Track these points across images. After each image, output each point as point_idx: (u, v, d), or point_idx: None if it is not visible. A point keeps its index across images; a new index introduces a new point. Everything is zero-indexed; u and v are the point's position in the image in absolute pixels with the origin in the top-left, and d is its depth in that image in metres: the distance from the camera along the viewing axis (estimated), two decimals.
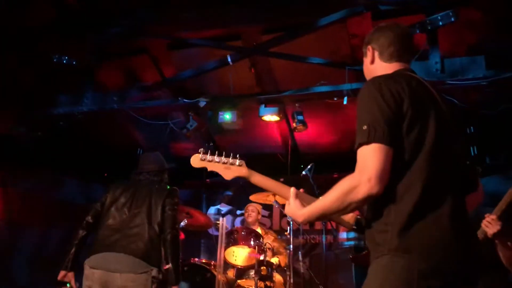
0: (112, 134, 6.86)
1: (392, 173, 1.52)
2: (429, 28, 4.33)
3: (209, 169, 2.02)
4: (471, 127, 6.11)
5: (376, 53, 1.86)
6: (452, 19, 4.20)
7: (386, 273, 1.49)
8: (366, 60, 1.93)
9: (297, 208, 1.76)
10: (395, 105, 1.56)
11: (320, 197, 1.68)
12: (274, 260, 4.74)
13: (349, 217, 1.88)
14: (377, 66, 1.86)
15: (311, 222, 1.81)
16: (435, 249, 1.47)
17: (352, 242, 6.53)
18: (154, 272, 3.01)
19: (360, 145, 1.54)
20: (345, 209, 1.60)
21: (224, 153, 2.05)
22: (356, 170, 1.54)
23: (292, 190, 1.86)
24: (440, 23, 4.27)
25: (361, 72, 5.01)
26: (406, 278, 1.45)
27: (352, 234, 6.64)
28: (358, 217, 1.86)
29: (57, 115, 5.63)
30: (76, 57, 5.31)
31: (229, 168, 2.01)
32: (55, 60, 5.23)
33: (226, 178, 2.01)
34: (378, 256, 1.54)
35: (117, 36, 5.55)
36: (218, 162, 2.02)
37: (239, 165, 2.00)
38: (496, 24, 4.68)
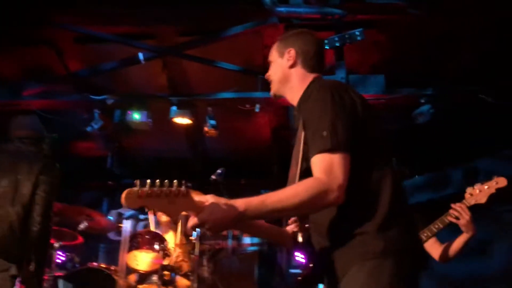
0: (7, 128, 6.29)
1: (356, 178, 1.51)
2: (337, 44, 4.59)
3: (149, 209, 1.48)
4: None
5: (299, 60, 1.80)
6: (359, 38, 4.51)
7: (378, 276, 1.48)
8: (282, 62, 1.83)
9: (225, 202, 1.48)
10: (351, 110, 1.56)
11: (269, 194, 1.52)
12: (179, 265, 4.66)
13: (289, 237, 1.80)
14: (296, 71, 1.81)
15: (247, 218, 1.48)
16: (410, 252, 1.55)
17: (255, 248, 6.65)
18: (13, 270, 2.42)
19: (322, 151, 1.49)
20: (305, 210, 1.58)
21: (163, 185, 1.47)
22: (321, 175, 1.48)
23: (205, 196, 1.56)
24: (348, 41, 4.56)
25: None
26: (396, 279, 1.48)
27: (256, 240, 6.76)
28: (295, 230, 1.78)
29: None
30: None
31: (174, 202, 1.46)
32: None
33: (172, 218, 1.61)
34: (360, 262, 1.51)
35: (17, 23, 5.15)
36: (159, 196, 1.44)
37: (185, 196, 1.46)
38: (397, 47, 5.10)
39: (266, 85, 5.42)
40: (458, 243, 2.78)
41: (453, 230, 2.80)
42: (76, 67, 5.59)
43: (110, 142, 6.86)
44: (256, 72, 5.30)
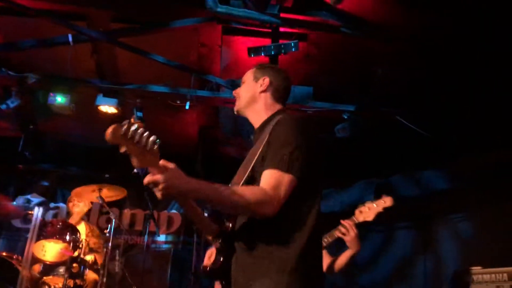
0: None
1: (292, 202, 1.71)
2: (272, 53, 4.70)
3: (122, 150, 1.55)
4: None
5: (271, 89, 2.03)
6: (293, 49, 4.66)
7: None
8: (255, 85, 2.05)
9: (181, 174, 1.61)
10: (311, 146, 1.78)
11: (217, 185, 1.68)
12: (90, 258, 4.48)
13: (214, 227, 1.96)
14: (265, 98, 2.03)
15: (182, 195, 1.79)
16: (318, 282, 1.76)
17: (169, 245, 6.58)
18: None
19: (277, 169, 1.69)
20: (241, 211, 1.75)
21: (144, 135, 1.56)
22: (268, 187, 1.67)
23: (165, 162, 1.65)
24: (283, 51, 4.69)
25: (205, 81, 5.16)
26: None
27: (170, 237, 6.70)
28: (222, 229, 1.94)
29: None
30: None
31: (144, 154, 1.57)
32: None
33: (136, 166, 1.60)
34: (270, 275, 1.67)
35: None
36: (137, 143, 1.55)
37: (155, 153, 1.59)
38: (327, 62, 5.33)
39: (198, 83, 5.41)
40: (343, 258, 2.85)
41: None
42: None
43: (25, 123, 6.41)
44: (190, 69, 5.26)
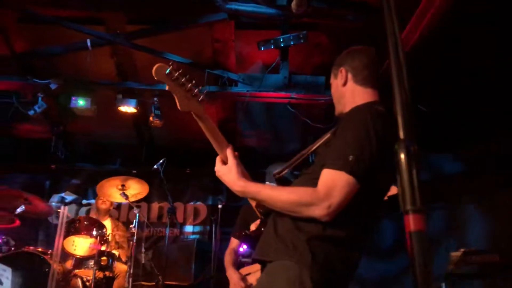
0: None
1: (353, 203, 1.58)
2: (282, 45, 4.78)
3: (168, 88, 1.67)
4: (311, 137, 6.87)
5: (350, 76, 1.87)
6: (302, 41, 4.72)
7: (279, 276, 1.59)
8: (336, 82, 1.93)
9: (236, 174, 1.71)
10: (380, 149, 1.56)
11: (270, 184, 1.73)
12: (116, 251, 4.75)
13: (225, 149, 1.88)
14: (349, 88, 1.86)
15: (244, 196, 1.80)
16: (331, 283, 1.61)
17: (197, 236, 6.81)
18: None
19: (338, 169, 1.54)
20: (287, 211, 1.65)
21: (189, 80, 1.71)
22: (321, 189, 1.55)
23: (230, 150, 1.77)
24: (292, 43, 4.76)
25: (220, 76, 5.28)
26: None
27: (197, 228, 6.92)
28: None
29: None
30: None
31: (189, 98, 1.70)
32: None
33: (180, 108, 1.71)
34: (280, 258, 1.62)
35: None
36: (182, 86, 1.67)
37: (200, 102, 1.74)
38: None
39: (213, 79, 5.55)
40: None
41: None
42: (20, 47, 5.48)
43: (55, 126, 6.76)
44: (203, 66, 5.40)
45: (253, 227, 2.80)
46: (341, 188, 1.51)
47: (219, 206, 4.82)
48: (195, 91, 1.71)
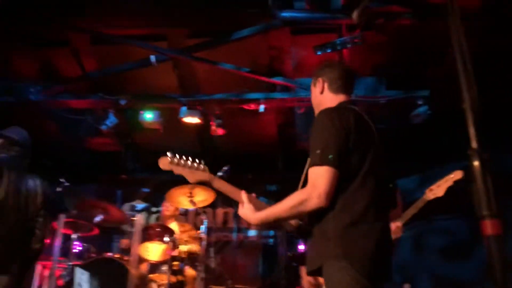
0: (26, 125, 6.62)
1: (336, 191, 1.83)
2: (338, 48, 4.79)
3: (175, 172, 2.13)
4: None
5: (326, 85, 2.16)
6: (359, 43, 4.71)
7: (331, 276, 1.80)
8: (315, 90, 2.20)
9: (251, 211, 2.01)
10: (344, 135, 1.86)
11: (274, 205, 1.96)
12: (187, 247, 4.96)
13: (294, 222, 2.16)
14: (325, 96, 2.15)
15: (264, 225, 2.25)
16: (368, 257, 1.78)
17: (262, 240, 6.93)
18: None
19: (313, 165, 1.84)
20: (295, 217, 1.97)
21: (189, 158, 2.20)
22: (308, 185, 1.83)
23: (244, 194, 2.09)
24: (348, 45, 4.76)
25: (277, 83, 5.35)
26: (346, 280, 1.75)
27: (263, 233, 7.05)
28: (301, 223, 2.14)
29: None
30: None
31: (193, 172, 2.15)
32: None
33: (190, 181, 2.14)
34: (324, 261, 1.83)
35: (36, 25, 5.45)
36: (184, 166, 2.15)
37: (203, 170, 2.16)
38: (396, 49, 5.28)
39: (271, 86, 5.64)
40: None
41: None
42: (91, 67, 5.88)
43: (124, 138, 7.16)
44: (261, 73, 5.51)
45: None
46: (321, 178, 1.79)
47: None
48: (196, 165, 2.15)
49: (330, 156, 1.80)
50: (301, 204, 1.82)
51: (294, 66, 5.87)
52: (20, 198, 2.95)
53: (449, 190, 2.79)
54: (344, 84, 2.14)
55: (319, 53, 4.93)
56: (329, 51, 4.86)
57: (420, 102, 4.82)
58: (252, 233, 6.85)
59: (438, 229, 5.73)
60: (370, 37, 5.14)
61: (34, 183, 3.07)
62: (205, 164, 2.20)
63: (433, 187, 2.84)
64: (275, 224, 2.33)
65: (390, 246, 1.91)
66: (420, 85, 4.92)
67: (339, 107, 2.04)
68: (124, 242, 5.43)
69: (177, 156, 2.15)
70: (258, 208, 2.01)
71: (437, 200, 2.89)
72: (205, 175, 2.16)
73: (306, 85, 5.07)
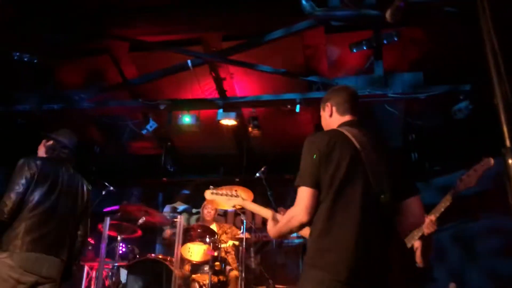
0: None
1: (321, 203, 2.01)
2: (374, 45, 4.73)
3: (216, 201, 2.81)
4: (412, 135, 6.64)
5: (334, 109, 2.31)
6: (395, 39, 4.63)
7: (303, 282, 1.98)
8: (325, 114, 2.36)
9: (270, 227, 2.26)
10: (317, 158, 2.02)
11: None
12: (230, 244, 5.03)
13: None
14: (334, 118, 2.31)
15: (278, 237, 2.71)
16: (339, 266, 1.89)
17: (301, 240, 6.92)
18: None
19: (296, 187, 2.06)
20: (289, 232, 2.13)
21: (223, 189, 2.72)
22: (295, 204, 2.05)
23: (271, 213, 2.35)
24: (385, 41, 4.69)
25: (313, 82, 5.33)
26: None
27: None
28: None
29: (16, 113, 5.65)
30: (36, 55, 5.37)
31: (229, 199, 2.67)
32: (15, 58, 5.27)
33: (228, 207, 2.59)
34: (303, 268, 2.07)
35: (78, 37, 5.68)
36: (222, 195, 2.69)
37: (236, 196, 2.68)
38: (434, 43, 5.16)
39: (307, 85, 5.61)
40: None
41: None
42: (131, 74, 6.07)
43: (163, 142, 7.34)
44: (296, 74, 5.51)
45: None
46: (301, 196, 2.00)
47: None
48: (230, 193, 2.67)
49: (305, 177, 2.02)
50: (290, 221, 2.02)
51: (330, 64, 5.84)
52: (71, 196, 3.19)
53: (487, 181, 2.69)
54: (349, 106, 2.29)
55: (354, 50, 4.89)
56: (364, 48, 4.81)
57: (461, 97, 4.68)
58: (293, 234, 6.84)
59: (486, 227, 5.55)
60: (407, 33, 5.05)
61: (81, 183, 3.31)
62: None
63: (463, 177, 2.73)
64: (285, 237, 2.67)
65: (369, 253, 1.93)
66: (461, 80, 4.78)
67: (325, 132, 2.26)
68: (168, 232, 5.58)
69: (216, 188, 2.71)
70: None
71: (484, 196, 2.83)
72: (238, 200, 2.64)
73: (343, 84, 5.03)
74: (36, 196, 2.96)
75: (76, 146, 3.38)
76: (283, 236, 2.27)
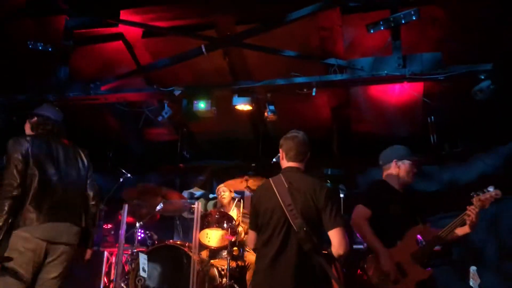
0: (86, 120, 6.95)
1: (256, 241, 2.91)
2: (392, 25, 4.60)
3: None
4: (432, 117, 6.51)
5: (283, 155, 2.88)
6: (414, 18, 4.49)
7: None
8: (281, 157, 2.93)
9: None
10: (252, 206, 2.90)
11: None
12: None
13: None
14: (283, 162, 2.90)
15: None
16: (259, 277, 2.71)
17: None
18: None
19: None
20: None
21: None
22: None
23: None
24: (403, 21, 4.56)
25: (329, 65, 5.25)
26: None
27: None
28: None
29: (31, 102, 5.67)
30: (50, 43, 5.38)
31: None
32: (30, 46, 5.28)
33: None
34: None
35: (90, 23, 5.67)
36: None
37: None
38: (455, 23, 5.00)
39: (323, 68, 5.52)
40: (459, 233, 3.16)
41: None
42: (145, 60, 6.04)
43: (179, 128, 7.34)
44: (312, 56, 5.41)
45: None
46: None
47: (341, 195, 4.84)
48: None
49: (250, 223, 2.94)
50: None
51: (346, 46, 5.72)
52: (71, 164, 3.25)
53: None
54: (292, 154, 2.83)
55: (372, 31, 4.76)
56: (382, 28, 4.68)
57: (482, 77, 4.53)
58: None
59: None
60: (426, 12, 4.90)
61: (77, 150, 3.38)
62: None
63: (480, 197, 3.00)
64: None
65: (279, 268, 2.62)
66: (482, 60, 4.63)
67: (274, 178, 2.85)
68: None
69: None
70: None
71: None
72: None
73: (360, 65, 4.92)
74: (36, 169, 3.00)
75: (61, 117, 3.42)
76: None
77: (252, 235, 2.88)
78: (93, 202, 3.30)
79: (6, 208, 2.82)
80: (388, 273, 3.03)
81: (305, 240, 2.51)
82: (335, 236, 2.58)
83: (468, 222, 3.04)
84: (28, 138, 3.12)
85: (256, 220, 2.82)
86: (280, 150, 2.87)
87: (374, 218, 3.23)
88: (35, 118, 3.32)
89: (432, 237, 3.12)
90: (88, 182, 3.34)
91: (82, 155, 3.36)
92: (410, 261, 3.05)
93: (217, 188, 5.72)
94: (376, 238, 3.16)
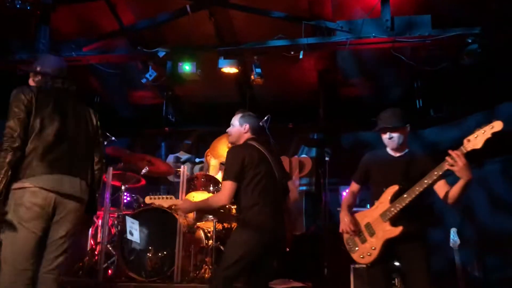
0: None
1: (241, 190, 3.08)
2: None
3: (156, 203, 4.31)
4: (418, 82, 6.52)
5: (247, 127, 3.28)
6: None
7: (236, 235, 3.07)
8: (241, 128, 3.29)
9: (186, 202, 3.44)
10: (240, 158, 3.08)
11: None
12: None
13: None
14: (247, 134, 3.29)
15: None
16: (258, 228, 2.96)
17: (304, 188, 6.98)
18: None
19: (222, 180, 3.13)
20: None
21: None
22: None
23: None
24: None
25: (317, 27, 5.17)
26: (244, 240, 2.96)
27: (304, 180, 7.09)
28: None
29: (12, 61, 5.51)
30: (30, 1, 5.17)
31: (166, 201, 3.97)
32: (7, 5, 5.07)
33: (165, 206, 4.36)
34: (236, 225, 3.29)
35: None
36: (160, 199, 3.93)
37: (171, 198, 4.06)
38: None
39: (311, 30, 5.43)
40: (455, 189, 2.82)
41: None
42: (128, 21, 5.86)
43: (164, 91, 7.23)
44: (300, 18, 5.31)
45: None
46: (224, 188, 3.10)
47: (326, 158, 4.87)
48: (165, 197, 4.08)
49: (231, 174, 3.08)
50: (214, 202, 3.24)
51: (334, 9, 5.62)
52: (78, 119, 2.98)
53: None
54: (256, 129, 3.34)
55: None
56: None
57: (469, 41, 4.52)
58: (296, 182, 6.89)
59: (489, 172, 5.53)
60: None
61: (87, 109, 3.10)
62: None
63: (470, 137, 2.66)
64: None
65: (277, 220, 3.06)
66: (470, 24, 4.59)
67: (245, 144, 3.24)
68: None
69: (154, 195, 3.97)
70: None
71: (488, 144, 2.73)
72: (174, 201, 4.00)
73: (348, 28, 4.86)
74: (40, 120, 2.77)
75: (65, 68, 3.08)
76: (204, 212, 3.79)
77: (231, 185, 3.06)
78: (98, 166, 3.06)
79: (7, 159, 2.63)
80: (343, 233, 3.10)
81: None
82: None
83: (454, 171, 2.71)
84: (34, 89, 2.84)
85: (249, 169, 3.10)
86: (247, 125, 3.28)
87: (369, 184, 3.25)
88: (40, 77, 2.98)
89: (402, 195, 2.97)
90: (96, 141, 3.09)
91: (93, 117, 3.08)
92: (380, 219, 2.99)
93: (206, 151, 5.69)
94: (343, 204, 3.25)
